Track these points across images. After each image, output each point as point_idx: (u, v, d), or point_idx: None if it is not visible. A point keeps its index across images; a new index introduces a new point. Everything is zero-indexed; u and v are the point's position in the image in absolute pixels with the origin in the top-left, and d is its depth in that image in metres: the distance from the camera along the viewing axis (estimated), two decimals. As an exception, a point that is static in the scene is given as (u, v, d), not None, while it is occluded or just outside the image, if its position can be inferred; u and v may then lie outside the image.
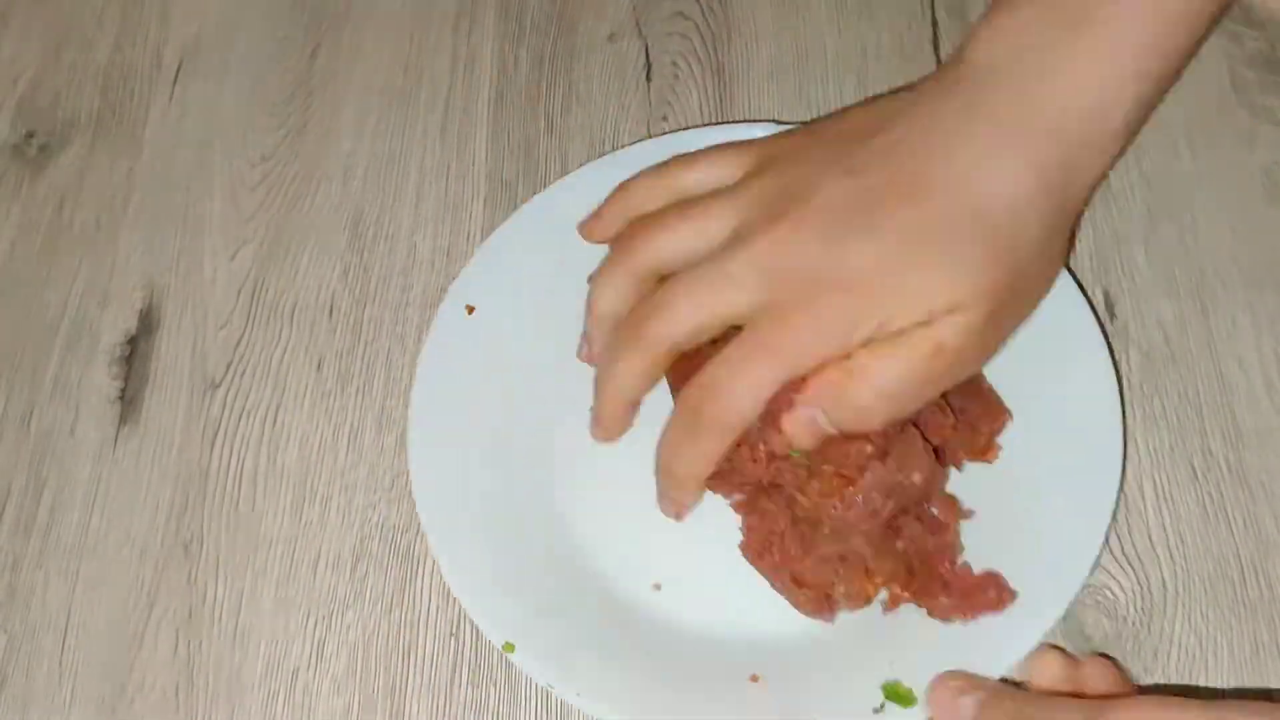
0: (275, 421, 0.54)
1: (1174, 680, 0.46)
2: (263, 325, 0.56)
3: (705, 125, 0.60)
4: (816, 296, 0.43)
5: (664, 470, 0.47)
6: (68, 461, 0.53)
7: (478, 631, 0.47)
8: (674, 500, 0.48)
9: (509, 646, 0.45)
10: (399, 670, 0.48)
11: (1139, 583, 0.48)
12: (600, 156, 0.58)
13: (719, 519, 0.48)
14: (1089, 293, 0.54)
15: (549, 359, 0.52)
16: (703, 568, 0.48)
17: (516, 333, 0.53)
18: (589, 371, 0.50)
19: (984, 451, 0.49)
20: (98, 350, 0.56)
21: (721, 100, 0.61)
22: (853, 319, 0.43)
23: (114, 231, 0.59)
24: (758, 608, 0.47)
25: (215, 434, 0.53)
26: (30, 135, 0.62)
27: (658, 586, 0.48)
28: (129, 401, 0.54)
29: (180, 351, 0.56)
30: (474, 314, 0.53)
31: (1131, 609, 0.47)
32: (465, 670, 0.48)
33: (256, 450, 0.53)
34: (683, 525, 0.49)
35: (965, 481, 0.48)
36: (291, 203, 0.59)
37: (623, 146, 0.58)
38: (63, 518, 0.52)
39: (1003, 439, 0.49)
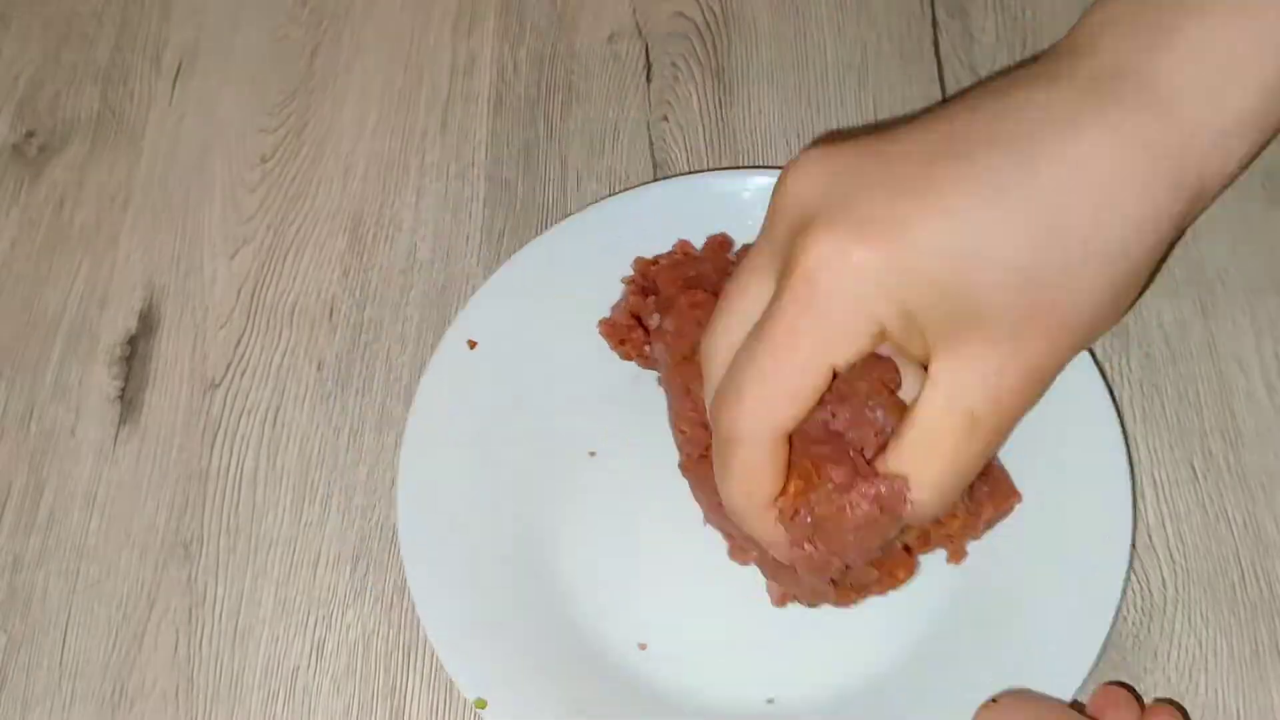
0: (275, 422, 0.54)
1: (1174, 680, 0.46)
2: (263, 325, 0.56)
3: (712, 170, 0.59)
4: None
5: (728, 510, 0.41)
6: (68, 461, 0.53)
7: (478, 632, 0.47)
8: (745, 544, 0.44)
9: (480, 703, 0.44)
10: (399, 670, 0.48)
11: (1139, 582, 0.48)
12: (613, 193, 0.58)
13: (713, 579, 0.47)
14: (1089, 293, 0.54)
15: (550, 400, 0.51)
16: (692, 630, 0.47)
17: (517, 371, 0.52)
18: (587, 416, 0.51)
19: (975, 534, 0.46)
20: (98, 350, 0.56)
21: (721, 101, 0.61)
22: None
23: (114, 231, 0.59)
24: (744, 674, 0.46)
25: (215, 434, 0.53)
26: (30, 135, 0.62)
27: (643, 646, 0.47)
28: (129, 401, 0.54)
29: (180, 351, 0.56)
30: (476, 349, 0.52)
31: (1131, 609, 0.47)
32: (465, 670, 0.48)
33: (256, 450, 0.53)
34: (674, 585, 0.47)
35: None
36: (291, 203, 0.59)
37: (633, 186, 0.57)
38: (63, 518, 0.52)
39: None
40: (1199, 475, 0.50)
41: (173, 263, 0.58)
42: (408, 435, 0.50)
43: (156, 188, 0.60)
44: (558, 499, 0.50)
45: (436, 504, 0.49)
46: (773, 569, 0.45)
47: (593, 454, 0.51)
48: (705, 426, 0.45)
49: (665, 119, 0.60)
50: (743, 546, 0.46)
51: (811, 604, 0.45)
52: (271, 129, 0.62)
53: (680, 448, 0.47)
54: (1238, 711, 0.46)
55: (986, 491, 0.45)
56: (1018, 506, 0.46)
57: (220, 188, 0.60)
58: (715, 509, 0.45)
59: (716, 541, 0.47)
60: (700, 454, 0.45)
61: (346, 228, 0.59)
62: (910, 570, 0.44)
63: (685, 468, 0.46)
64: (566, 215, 0.58)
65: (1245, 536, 0.49)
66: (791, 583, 0.45)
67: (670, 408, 0.48)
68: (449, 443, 0.50)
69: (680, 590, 0.48)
